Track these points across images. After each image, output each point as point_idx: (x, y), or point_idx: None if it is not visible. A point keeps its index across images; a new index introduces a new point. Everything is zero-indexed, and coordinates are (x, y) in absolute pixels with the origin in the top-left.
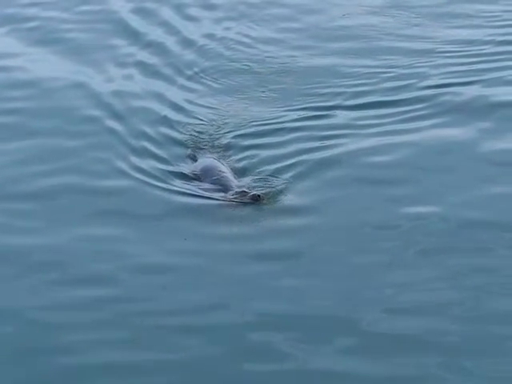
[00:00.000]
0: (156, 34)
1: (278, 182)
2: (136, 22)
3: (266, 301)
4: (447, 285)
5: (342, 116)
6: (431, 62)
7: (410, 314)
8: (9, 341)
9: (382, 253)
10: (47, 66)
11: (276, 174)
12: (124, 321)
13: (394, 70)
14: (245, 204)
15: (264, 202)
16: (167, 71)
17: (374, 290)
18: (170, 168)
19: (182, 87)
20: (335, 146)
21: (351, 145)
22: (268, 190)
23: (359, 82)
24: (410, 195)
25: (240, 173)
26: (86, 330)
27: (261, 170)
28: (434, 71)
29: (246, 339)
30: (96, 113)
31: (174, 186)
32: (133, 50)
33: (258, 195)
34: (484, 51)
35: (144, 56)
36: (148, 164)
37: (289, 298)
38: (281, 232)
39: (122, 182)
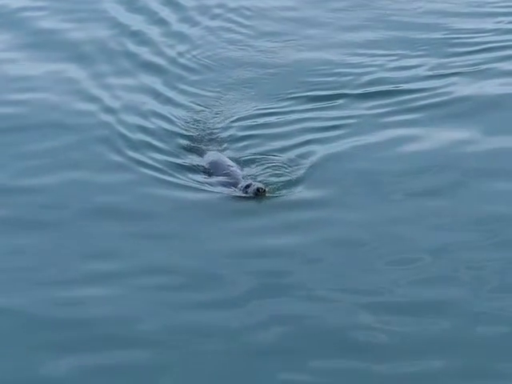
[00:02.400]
0: (145, 26)
1: (285, 175)
2: (122, 14)
3: (276, 296)
4: (463, 281)
5: (349, 107)
6: (437, 51)
7: (422, 312)
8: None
9: (393, 247)
10: (33, 60)
11: (282, 166)
12: (137, 320)
13: (400, 59)
14: (249, 197)
15: (267, 194)
16: (164, 64)
17: (386, 286)
18: (177, 162)
19: (184, 79)
20: (343, 138)
21: (359, 137)
22: (273, 182)
23: (366, 70)
24: (420, 190)
25: (246, 165)
26: (100, 327)
27: (267, 162)
28: (439, 61)
29: (256, 338)
30: (91, 107)
31: (182, 180)
32: (122, 42)
33: (258, 189)
34: (491, 40)
35: (134, 48)
36: (152, 158)
37: (299, 294)
38: (287, 226)
39: (120, 177)
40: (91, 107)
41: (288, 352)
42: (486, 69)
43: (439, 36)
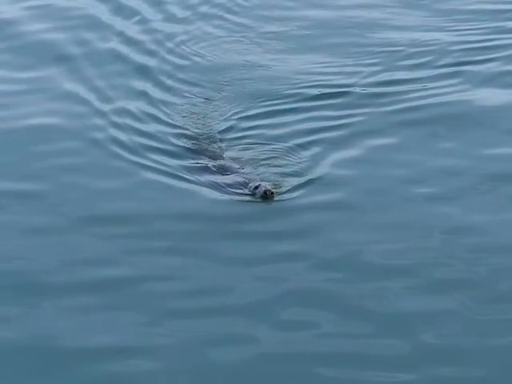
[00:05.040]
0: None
1: (292, 176)
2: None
3: (284, 302)
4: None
5: (359, 108)
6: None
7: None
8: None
9: (402, 252)
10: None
11: (289, 167)
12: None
13: (412, 47)
14: (257, 199)
15: (275, 197)
16: (158, 65)
17: (394, 291)
18: (182, 164)
19: (183, 78)
20: (352, 139)
21: (368, 140)
22: (281, 183)
23: (373, 70)
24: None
25: (252, 166)
26: (104, 337)
27: (273, 163)
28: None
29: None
30: (86, 110)
31: (187, 183)
32: (110, 43)
33: (266, 191)
34: (501, 27)
35: (124, 50)
36: (155, 161)
37: (308, 299)
38: (295, 230)
39: (122, 181)
40: (86, 110)
41: (300, 359)
42: (497, 57)
43: (446, 38)
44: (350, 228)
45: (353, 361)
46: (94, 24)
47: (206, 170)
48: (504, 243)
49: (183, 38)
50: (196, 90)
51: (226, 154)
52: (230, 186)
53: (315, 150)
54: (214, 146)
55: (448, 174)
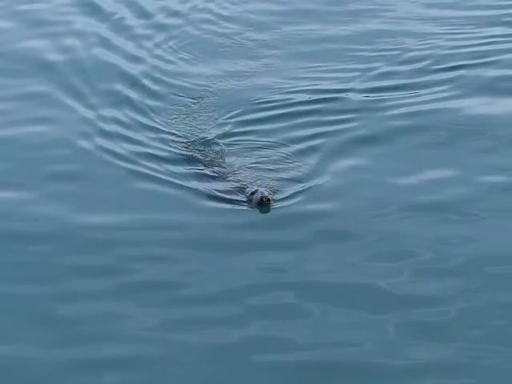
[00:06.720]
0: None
1: (290, 184)
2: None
3: (279, 313)
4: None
5: (358, 110)
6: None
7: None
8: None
9: (403, 259)
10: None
11: (289, 174)
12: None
13: (408, 52)
14: (254, 206)
15: (272, 203)
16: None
17: (395, 299)
18: (180, 170)
19: (176, 83)
20: (350, 147)
21: (365, 148)
22: (277, 190)
23: (378, 72)
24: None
25: (250, 172)
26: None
27: (268, 170)
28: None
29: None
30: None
31: (188, 188)
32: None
33: (262, 198)
34: (497, 33)
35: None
36: (156, 166)
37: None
38: (290, 239)
39: (115, 189)
40: (76, 118)
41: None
42: (494, 61)
43: (445, 28)
44: (348, 237)
45: (357, 370)
46: (79, 31)
47: (202, 176)
48: (506, 253)
49: (174, 44)
50: (190, 96)
51: (223, 161)
52: (226, 192)
53: (313, 157)
54: (210, 152)
55: (447, 182)
